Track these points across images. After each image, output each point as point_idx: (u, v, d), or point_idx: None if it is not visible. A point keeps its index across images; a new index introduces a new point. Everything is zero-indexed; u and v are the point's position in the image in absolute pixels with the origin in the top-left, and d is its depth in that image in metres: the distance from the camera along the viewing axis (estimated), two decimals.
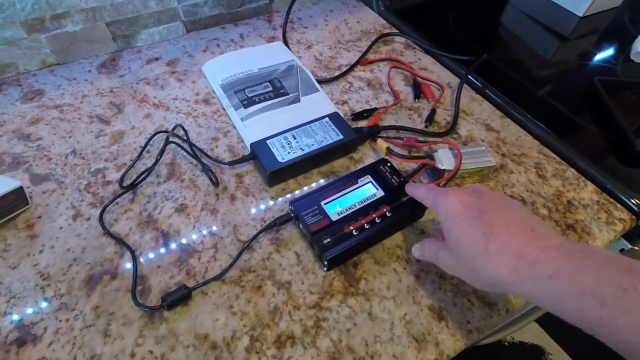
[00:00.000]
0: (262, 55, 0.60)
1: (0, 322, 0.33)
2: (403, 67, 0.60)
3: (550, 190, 0.46)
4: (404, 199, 0.40)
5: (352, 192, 0.40)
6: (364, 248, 0.39)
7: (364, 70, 0.60)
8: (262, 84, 0.54)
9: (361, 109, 0.53)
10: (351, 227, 0.37)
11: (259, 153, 0.44)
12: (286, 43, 0.64)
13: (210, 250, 0.39)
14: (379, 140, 0.47)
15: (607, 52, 0.70)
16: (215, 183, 0.44)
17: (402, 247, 0.40)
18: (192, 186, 0.44)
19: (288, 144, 0.45)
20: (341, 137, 0.46)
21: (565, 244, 0.27)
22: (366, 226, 0.37)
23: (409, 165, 0.47)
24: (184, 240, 0.39)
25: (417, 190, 0.37)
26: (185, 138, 0.47)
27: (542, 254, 0.27)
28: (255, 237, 0.38)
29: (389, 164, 0.43)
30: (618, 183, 0.46)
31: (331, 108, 0.52)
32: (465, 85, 0.57)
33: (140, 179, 0.43)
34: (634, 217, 0.44)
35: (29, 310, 0.34)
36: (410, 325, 0.35)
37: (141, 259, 0.38)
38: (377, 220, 0.38)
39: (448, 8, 0.77)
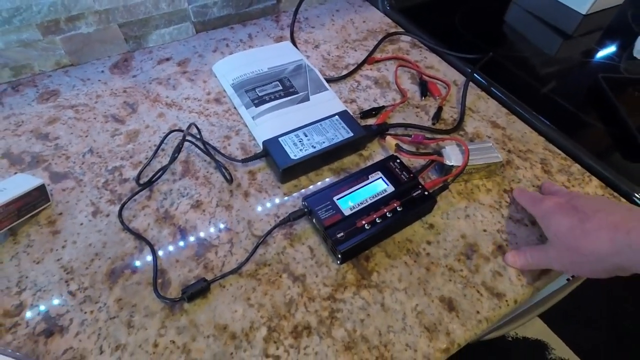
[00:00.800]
0: (270, 54, 0.61)
1: (28, 314, 0.34)
2: (409, 66, 0.61)
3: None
4: (414, 194, 0.41)
5: (364, 187, 0.41)
6: (375, 242, 0.40)
7: (371, 69, 0.61)
8: (271, 83, 0.55)
9: (369, 107, 0.54)
10: (363, 222, 0.38)
11: (271, 150, 0.45)
12: (294, 43, 0.65)
13: (227, 245, 0.40)
14: (388, 138, 0.48)
15: (611, 50, 0.71)
16: (229, 180, 0.45)
17: (412, 241, 0.41)
18: (206, 183, 0.45)
19: (300, 141, 0.46)
20: (351, 134, 0.47)
21: None
22: (378, 220, 0.39)
23: (418, 162, 0.48)
24: (201, 235, 0.40)
25: (521, 197, 0.43)
26: (198, 136, 0.48)
27: (638, 224, 0.29)
28: (270, 231, 0.40)
29: (398, 161, 0.44)
30: (622, 177, 0.47)
31: (340, 106, 0.53)
32: (471, 83, 0.59)
33: (156, 176, 0.44)
34: None
35: (55, 302, 0.35)
36: (422, 315, 0.36)
37: (160, 253, 0.39)
38: (388, 215, 0.39)
39: (453, 7, 0.78)
